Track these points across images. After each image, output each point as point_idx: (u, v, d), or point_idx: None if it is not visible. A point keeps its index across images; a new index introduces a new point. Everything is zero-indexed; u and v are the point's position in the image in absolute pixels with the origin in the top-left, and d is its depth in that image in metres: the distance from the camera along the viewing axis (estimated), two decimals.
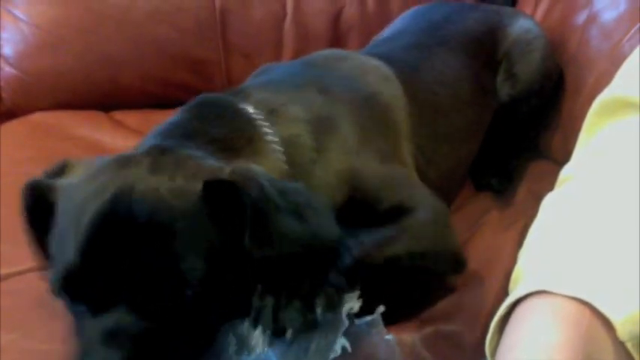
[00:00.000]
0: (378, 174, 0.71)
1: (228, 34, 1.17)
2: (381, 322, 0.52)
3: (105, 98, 1.16)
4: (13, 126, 1.10)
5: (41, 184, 0.57)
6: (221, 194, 0.53)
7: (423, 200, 0.72)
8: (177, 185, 0.52)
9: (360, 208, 0.68)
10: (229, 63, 1.18)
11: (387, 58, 0.87)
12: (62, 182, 0.57)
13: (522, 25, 1.00)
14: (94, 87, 1.15)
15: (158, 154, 0.56)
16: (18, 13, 1.14)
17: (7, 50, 1.14)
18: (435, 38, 0.95)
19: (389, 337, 0.52)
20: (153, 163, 0.54)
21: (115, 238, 0.50)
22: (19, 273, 0.76)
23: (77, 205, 0.52)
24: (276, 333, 0.51)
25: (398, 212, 0.69)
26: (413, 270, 0.68)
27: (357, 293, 0.53)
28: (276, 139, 0.67)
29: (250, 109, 0.69)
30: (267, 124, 0.68)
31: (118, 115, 1.14)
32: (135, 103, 1.16)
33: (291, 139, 0.68)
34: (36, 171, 0.94)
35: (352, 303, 0.53)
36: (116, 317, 0.49)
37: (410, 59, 0.90)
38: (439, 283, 0.73)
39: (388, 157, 0.74)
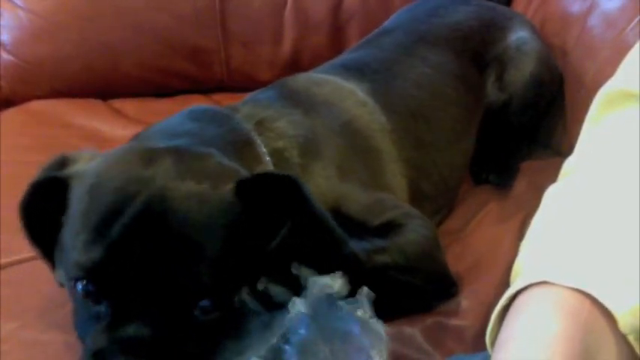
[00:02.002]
0: (361, 204, 0.71)
1: (227, 22, 1.16)
2: (365, 305, 0.52)
3: (103, 86, 1.15)
4: (11, 114, 1.10)
5: (54, 176, 0.56)
6: (250, 193, 0.54)
7: (412, 221, 0.71)
8: (206, 192, 0.52)
9: (346, 228, 0.68)
10: (229, 51, 1.17)
11: (361, 70, 0.86)
12: (76, 171, 0.56)
13: (518, 33, 0.98)
14: (93, 75, 1.14)
15: (179, 154, 0.56)
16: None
17: (5, 37, 1.13)
18: (415, 34, 0.94)
19: (374, 320, 0.52)
20: (179, 165, 0.53)
21: (144, 245, 0.49)
22: (19, 262, 0.76)
23: (100, 198, 0.51)
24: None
25: (386, 229, 0.69)
26: (400, 285, 0.68)
27: (339, 274, 0.53)
28: (265, 150, 0.68)
29: (242, 120, 0.70)
30: (255, 133, 0.69)
31: (117, 103, 1.14)
32: (133, 91, 1.16)
33: (279, 152, 0.69)
34: (34, 159, 0.94)
35: (331, 281, 0.52)
36: (137, 326, 0.49)
37: (385, 65, 0.88)
38: (427, 302, 0.72)
39: (371, 187, 0.74)
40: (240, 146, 0.65)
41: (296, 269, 0.53)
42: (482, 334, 0.52)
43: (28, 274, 0.73)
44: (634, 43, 0.63)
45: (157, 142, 0.61)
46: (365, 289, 0.53)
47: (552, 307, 0.46)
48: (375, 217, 0.70)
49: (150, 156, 0.54)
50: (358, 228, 0.69)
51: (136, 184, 0.51)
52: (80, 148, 0.98)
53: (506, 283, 0.52)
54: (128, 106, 1.13)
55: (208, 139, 0.63)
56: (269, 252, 0.55)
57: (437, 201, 0.86)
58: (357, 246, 0.64)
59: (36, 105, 1.11)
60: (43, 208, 0.56)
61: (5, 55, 1.13)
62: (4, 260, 0.76)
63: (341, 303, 0.52)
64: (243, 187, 0.54)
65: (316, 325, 0.51)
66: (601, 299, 0.45)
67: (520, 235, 0.57)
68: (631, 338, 0.45)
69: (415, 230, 0.70)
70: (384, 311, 0.63)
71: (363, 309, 0.52)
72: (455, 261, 0.80)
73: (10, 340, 0.67)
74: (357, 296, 0.52)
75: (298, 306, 0.51)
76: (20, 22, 1.12)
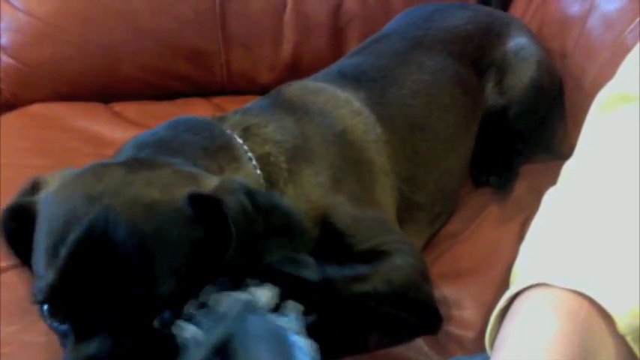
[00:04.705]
0: (350, 218, 0.69)
1: (228, 24, 1.16)
2: (296, 323, 0.51)
3: (104, 89, 1.15)
4: (12, 117, 1.10)
5: (20, 205, 0.57)
6: (203, 204, 0.53)
7: (400, 247, 0.69)
8: (154, 204, 0.52)
9: (332, 248, 0.67)
10: (229, 54, 1.17)
11: (358, 78, 0.85)
12: (40, 196, 0.57)
13: (516, 39, 0.98)
14: (93, 78, 1.15)
15: (133, 166, 0.56)
16: (16, 2, 1.13)
17: (6, 40, 1.13)
18: (412, 40, 0.93)
19: (306, 340, 0.51)
20: (129, 179, 0.54)
21: (92, 266, 0.50)
22: (19, 265, 0.76)
23: (52, 225, 0.53)
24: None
25: (372, 255, 0.67)
26: (382, 314, 0.66)
27: (273, 288, 0.53)
28: (251, 155, 0.68)
29: (225, 127, 0.70)
30: (241, 140, 0.69)
31: (117, 106, 1.14)
32: (134, 94, 1.16)
33: (265, 157, 0.69)
34: (35, 162, 0.94)
35: (262, 293, 0.52)
36: (96, 344, 0.50)
37: (382, 72, 0.87)
38: (409, 334, 0.70)
39: (361, 201, 0.73)
40: (215, 150, 0.65)
41: (253, 285, 0.53)
42: (482, 335, 0.52)
43: (28, 277, 0.73)
44: (633, 45, 0.63)
45: (126, 154, 0.62)
46: (290, 303, 0.52)
47: (551, 308, 0.46)
48: (363, 236, 0.69)
49: (102, 172, 0.55)
50: (342, 244, 0.68)
51: (84, 205, 0.52)
52: (81, 152, 0.99)
53: (506, 285, 0.52)
54: (128, 109, 1.13)
55: (177, 147, 0.63)
56: (227, 264, 0.54)
57: (433, 209, 0.85)
58: (335, 272, 0.63)
59: (36, 108, 1.11)
60: (22, 233, 0.57)
61: (5, 59, 1.13)
62: (4, 263, 0.76)
63: (276, 320, 0.52)
64: (200, 196, 0.54)
65: (262, 344, 0.51)
66: (599, 301, 0.45)
67: (520, 237, 0.57)
68: (629, 339, 0.45)
69: (402, 258, 0.68)
70: (361, 343, 0.63)
71: (293, 324, 0.51)
72: (455, 263, 0.80)
73: (11, 342, 0.68)
74: (287, 311, 0.52)
75: (190, 331, 0.50)
76: (20, 25, 1.13)
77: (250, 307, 0.52)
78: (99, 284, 0.50)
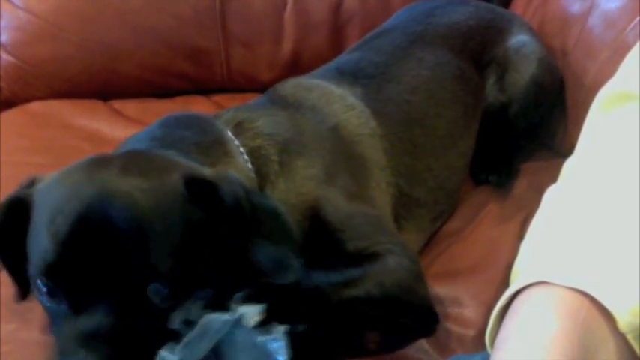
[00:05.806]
0: (343, 213, 0.68)
1: (227, 22, 1.16)
2: (282, 343, 0.52)
3: (104, 87, 1.15)
4: (11, 115, 1.10)
5: (17, 197, 0.58)
6: (199, 188, 0.55)
7: (393, 248, 0.67)
8: (150, 183, 0.54)
9: (324, 245, 0.67)
10: (229, 52, 1.17)
11: (355, 74, 0.85)
12: (38, 186, 0.58)
13: (518, 36, 0.98)
14: (93, 76, 1.14)
15: (131, 157, 0.58)
16: (16, 0, 1.13)
17: (5, 38, 1.13)
18: (412, 35, 0.93)
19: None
20: (126, 164, 0.56)
21: (91, 240, 0.51)
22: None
23: (53, 204, 0.54)
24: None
25: (365, 256, 0.66)
26: (375, 318, 0.65)
27: (258, 306, 0.53)
28: (242, 149, 0.69)
29: (219, 124, 0.71)
30: (233, 136, 0.70)
31: (117, 104, 1.14)
32: (134, 92, 1.16)
33: (256, 150, 0.70)
34: (35, 160, 0.94)
35: (247, 311, 0.52)
36: (95, 318, 0.51)
37: (380, 68, 0.87)
38: (405, 337, 0.68)
39: (355, 196, 0.72)
40: (208, 145, 0.67)
41: (235, 302, 0.53)
42: (482, 333, 0.52)
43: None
44: (634, 43, 0.63)
45: (122, 149, 0.64)
46: (281, 327, 0.52)
47: (551, 306, 0.46)
48: (354, 232, 0.68)
49: (101, 162, 0.57)
50: (332, 240, 0.67)
51: (83, 186, 0.53)
52: (80, 149, 0.99)
53: (506, 283, 0.52)
54: (128, 106, 1.13)
55: (171, 142, 0.65)
56: (227, 258, 0.55)
57: (435, 207, 0.85)
58: (323, 278, 0.62)
59: (36, 106, 1.11)
60: (16, 229, 0.57)
61: (5, 56, 1.13)
62: None
63: (261, 337, 0.52)
64: (195, 182, 0.55)
65: (247, 356, 0.52)
66: (600, 299, 0.45)
67: (520, 235, 0.57)
68: (630, 337, 0.45)
69: (395, 260, 0.66)
70: (355, 348, 0.62)
71: (278, 343, 0.52)
72: (455, 261, 0.80)
73: (11, 340, 0.68)
74: (275, 334, 0.52)
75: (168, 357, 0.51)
76: (20, 23, 1.12)
77: (237, 325, 0.52)
78: (95, 259, 0.51)
